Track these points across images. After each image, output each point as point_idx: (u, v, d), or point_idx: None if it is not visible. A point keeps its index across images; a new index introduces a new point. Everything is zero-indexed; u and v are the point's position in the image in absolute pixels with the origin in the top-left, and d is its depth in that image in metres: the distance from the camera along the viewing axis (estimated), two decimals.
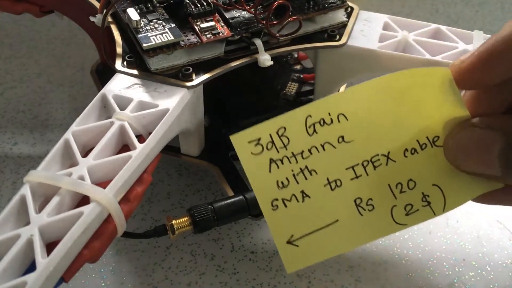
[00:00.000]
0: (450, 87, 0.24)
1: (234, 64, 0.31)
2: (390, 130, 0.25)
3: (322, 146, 0.24)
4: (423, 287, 0.31)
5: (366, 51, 0.32)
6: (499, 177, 0.24)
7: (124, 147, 0.27)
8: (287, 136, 0.24)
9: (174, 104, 0.28)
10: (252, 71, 0.33)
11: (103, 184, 0.24)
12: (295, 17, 0.31)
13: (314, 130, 0.24)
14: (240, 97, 0.36)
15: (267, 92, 0.37)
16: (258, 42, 0.31)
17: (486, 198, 0.26)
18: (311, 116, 0.24)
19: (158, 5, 0.31)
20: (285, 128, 0.24)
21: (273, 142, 0.24)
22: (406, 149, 0.25)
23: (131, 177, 0.25)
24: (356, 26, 0.34)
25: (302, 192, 0.24)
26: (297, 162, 0.24)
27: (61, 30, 0.48)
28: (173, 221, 0.28)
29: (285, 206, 0.24)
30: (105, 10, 0.31)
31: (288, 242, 0.25)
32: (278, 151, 0.24)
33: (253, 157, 0.24)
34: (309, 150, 0.24)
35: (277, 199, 0.24)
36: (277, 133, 0.24)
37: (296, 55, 0.39)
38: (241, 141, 0.24)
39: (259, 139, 0.24)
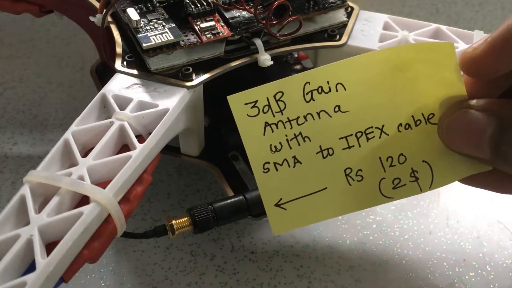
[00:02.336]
0: (451, 63, 0.24)
1: (234, 64, 0.31)
2: (386, 104, 0.25)
3: (318, 114, 0.25)
4: (423, 287, 0.31)
5: (366, 51, 0.32)
6: (488, 160, 0.24)
7: (124, 147, 0.27)
8: (284, 101, 0.24)
9: (174, 104, 0.28)
10: (252, 71, 0.33)
11: (103, 184, 0.24)
12: (295, 17, 0.31)
13: (312, 98, 0.24)
14: None
15: None
16: (258, 42, 0.31)
17: (473, 180, 0.26)
18: (309, 83, 0.24)
19: (158, 5, 0.31)
20: (282, 93, 0.24)
21: (269, 105, 0.24)
22: (401, 124, 0.25)
23: (131, 177, 0.25)
24: (356, 26, 0.34)
25: (294, 157, 0.25)
26: (291, 127, 0.25)
27: (61, 30, 0.47)
28: (173, 221, 0.28)
29: (276, 170, 0.25)
30: (105, 10, 0.31)
31: (277, 205, 0.25)
32: (273, 115, 0.24)
33: (249, 119, 0.24)
34: (305, 117, 0.25)
35: (268, 162, 0.25)
36: (274, 97, 0.24)
37: (296, 55, 0.39)
38: (238, 102, 0.24)
39: (256, 102, 0.24)
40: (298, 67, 0.39)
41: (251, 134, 0.24)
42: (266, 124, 0.24)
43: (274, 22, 0.30)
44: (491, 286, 0.31)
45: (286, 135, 0.25)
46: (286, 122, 0.24)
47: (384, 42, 0.33)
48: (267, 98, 0.24)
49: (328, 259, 0.32)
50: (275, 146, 0.25)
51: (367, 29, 0.34)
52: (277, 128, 0.24)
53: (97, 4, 0.32)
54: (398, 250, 0.32)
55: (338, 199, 0.25)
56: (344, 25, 0.33)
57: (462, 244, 0.33)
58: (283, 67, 0.39)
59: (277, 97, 0.24)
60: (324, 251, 0.32)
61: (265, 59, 0.30)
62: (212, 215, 0.28)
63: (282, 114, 0.24)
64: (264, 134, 0.24)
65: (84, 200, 0.24)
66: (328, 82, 0.24)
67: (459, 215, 0.34)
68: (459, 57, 0.24)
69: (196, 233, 0.28)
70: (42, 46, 0.46)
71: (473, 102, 0.24)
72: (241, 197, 0.29)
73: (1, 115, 0.40)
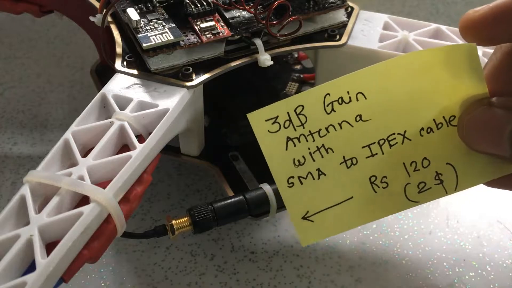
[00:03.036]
0: (473, 63, 0.24)
1: (234, 64, 0.31)
2: (407, 109, 0.25)
3: (340, 125, 0.24)
4: (423, 287, 0.31)
5: (367, 51, 0.32)
6: (508, 157, 0.23)
7: (124, 147, 0.27)
8: (304, 114, 0.24)
9: (174, 104, 0.28)
10: (252, 71, 0.33)
11: (103, 184, 0.24)
12: (295, 17, 0.31)
13: (332, 109, 0.24)
14: (240, 97, 0.36)
15: (267, 92, 0.37)
16: (258, 42, 0.31)
17: (499, 183, 0.26)
18: (329, 95, 0.24)
19: (158, 5, 0.31)
20: (303, 107, 0.24)
21: (290, 120, 0.24)
22: (422, 128, 0.25)
23: (131, 177, 0.25)
24: (356, 26, 0.34)
25: (318, 170, 0.25)
26: (314, 140, 0.24)
27: (61, 30, 0.47)
28: (173, 221, 0.28)
29: (301, 183, 0.25)
30: (105, 10, 0.31)
31: (304, 218, 0.25)
32: (295, 130, 0.24)
33: (270, 135, 0.24)
34: (326, 129, 0.24)
35: (293, 177, 0.25)
36: (295, 111, 0.24)
37: (296, 55, 0.39)
38: (258, 119, 0.24)
39: (277, 117, 0.24)
40: (298, 67, 0.39)
41: (273, 150, 0.24)
42: (288, 139, 0.24)
43: (274, 22, 0.30)
44: (491, 286, 0.31)
45: (309, 148, 0.24)
46: (308, 135, 0.24)
47: (384, 42, 0.33)
48: (288, 113, 0.24)
49: (328, 259, 0.32)
50: (298, 160, 0.24)
51: (367, 29, 0.34)
52: (299, 142, 0.24)
53: (97, 4, 0.32)
54: (398, 250, 0.32)
55: (365, 207, 0.25)
56: (344, 25, 0.33)
57: (462, 244, 0.33)
58: (283, 67, 0.39)
59: (298, 111, 0.24)
60: (324, 251, 0.32)
61: (265, 59, 0.30)
62: (212, 215, 0.28)
63: (303, 127, 0.24)
64: (286, 149, 0.24)
65: (84, 200, 0.24)
66: (348, 92, 0.24)
67: (459, 215, 0.34)
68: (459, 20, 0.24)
69: (196, 233, 0.28)
70: (42, 46, 0.46)
71: (493, 99, 0.24)
72: (241, 197, 0.29)
73: (1, 115, 0.40)
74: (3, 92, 0.42)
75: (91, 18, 0.31)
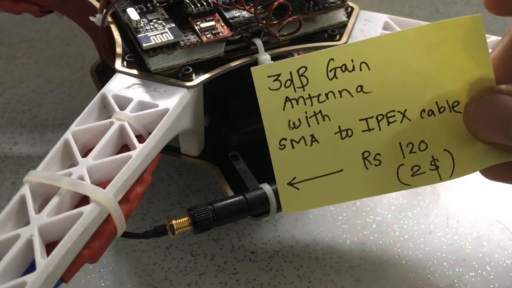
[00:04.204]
0: (479, 39, 0.23)
1: (234, 64, 0.30)
2: (410, 88, 0.24)
3: (340, 93, 0.24)
4: (423, 287, 0.31)
5: None
6: None
7: (124, 147, 0.27)
8: (306, 76, 0.24)
9: (174, 104, 0.28)
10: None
11: (103, 184, 0.24)
12: (295, 17, 0.31)
13: (335, 75, 0.24)
14: (240, 97, 0.36)
15: None
16: (258, 42, 0.31)
17: (495, 173, 0.25)
18: (333, 60, 0.24)
19: (158, 5, 0.31)
20: (306, 68, 0.24)
21: (292, 80, 0.24)
22: (424, 110, 0.24)
23: (131, 177, 0.25)
24: (356, 26, 0.34)
25: (312, 136, 0.24)
26: (312, 104, 0.24)
27: (61, 30, 0.47)
28: (173, 221, 0.28)
29: (293, 147, 0.24)
30: (105, 10, 0.31)
31: (289, 183, 0.25)
32: (295, 90, 0.24)
33: (270, 92, 0.24)
34: (326, 95, 0.24)
35: (285, 139, 0.24)
36: (298, 71, 0.24)
37: (296, 55, 0.39)
38: (260, 73, 0.24)
39: (279, 75, 0.24)
40: None
41: (270, 108, 0.24)
42: (287, 99, 0.24)
43: (274, 22, 0.30)
44: (491, 286, 0.31)
45: (306, 112, 0.24)
46: (307, 98, 0.24)
47: None
48: (290, 72, 0.24)
49: (328, 259, 0.32)
50: (294, 123, 0.24)
51: (367, 29, 0.34)
52: (298, 104, 0.24)
53: (97, 4, 0.32)
54: (398, 250, 0.32)
55: (354, 182, 0.25)
56: (344, 25, 0.33)
57: (462, 244, 0.33)
58: None
59: (300, 72, 0.24)
60: (324, 251, 0.32)
61: (265, 59, 0.30)
62: (212, 215, 0.28)
63: (303, 90, 0.24)
64: (283, 109, 0.24)
65: (84, 200, 0.24)
66: (352, 61, 0.24)
67: (459, 215, 0.34)
68: None
69: (196, 233, 0.28)
70: (42, 46, 0.46)
71: (503, 86, 0.23)
72: (241, 197, 0.29)
73: (1, 115, 0.40)
74: (3, 92, 0.42)
75: (91, 18, 0.31)
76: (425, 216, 0.34)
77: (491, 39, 0.32)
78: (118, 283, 0.31)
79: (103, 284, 0.31)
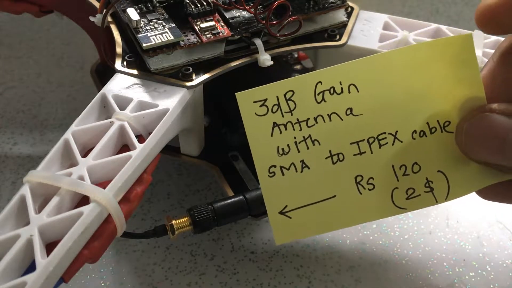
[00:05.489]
0: (469, 57, 0.23)
1: (234, 64, 0.31)
2: (401, 108, 0.24)
3: (329, 116, 0.23)
4: (423, 287, 0.31)
5: (367, 51, 0.32)
6: (510, 167, 0.22)
7: (124, 147, 0.27)
8: (294, 101, 0.23)
9: (174, 104, 0.28)
10: (252, 71, 0.33)
11: (103, 184, 0.24)
12: (295, 17, 0.31)
13: (323, 98, 0.23)
14: None
15: None
16: (258, 42, 0.31)
17: (491, 193, 0.25)
18: (321, 83, 0.23)
19: (158, 5, 0.31)
20: (293, 92, 0.23)
21: (279, 105, 0.23)
22: (415, 131, 0.24)
23: (131, 177, 0.25)
24: (356, 26, 0.34)
25: (302, 162, 0.24)
26: (301, 129, 0.23)
27: (61, 30, 0.47)
28: (173, 221, 0.28)
29: (283, 174, 0.24)
30: (105, 10, 0.31)
31: (281, 212, 0.24)
32: (283, 116, 0.23)
33: (257, 118, 0.23)
34: (315, 119, 0.23)
35: (275, 166, 0.24)
36: (285, 96, 0.23)
37: (296, 55, 0.39)
38: (246, 99, 0.23)
39: (265, 100, 0.23)
40: (298, 67, 0.39)
41: (258, 134, 0.23)
42: (275, 124, 0.23)
43: (274, 22, 0.30)
44: (491, 286, 0.31)
45: (295, 137, 0.23)
46: (295, 123, 0.23)
47: (384, 42, 0.33)
48: (277, 96, 0.23)
49: (328, 259, 0.32)
50: (283, 149, 0.23)
51: (367, 29, 0.34)
52: (286, 129, 0.23)
53: (97, 4, 0.32)
54: (398, 250, 0.32)
55: (347, 208, 0.24)
56: (344, 25, 0.33)
57: (462, 244, 0.33)
58: (283, 67, 0.39)
59: (288, 96, 0.23)
60: (324, 251, 0.32)
61: (265, 59, 0.30)
62: (212, 215, 0.28)
63: (291, 114, 0.23)
64: (271, 135, 0.23)
65: (84, 200, 0.24)
66: (340, 83, 0.23)
67: (459, 215, 0.34)
68: (474, 12, 0.23)
69: (196, 233, 0.28)
70: (42, 46, 0.46)
71: (494, 105, 0.23)
72: (241, 197, 0.29)
73: (1, 115, 0.40)
74: (3, 92, 0.42)
75: (91, 18, 0.31)
76: (425, 216, 0.34)
77: (492, 39, 0.32)
78: (118, 283, 0.31)
79: (103, 284, 0.31)
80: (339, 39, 0.33)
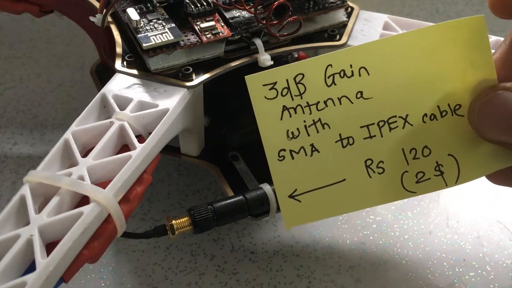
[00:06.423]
0: (482, 41, 0.23)
1: (234, 64, 0.31)
2: (411, 92, 0.23)
3: (339, 100, 0.23)
4: (423, 287, 0.30)
5: None
6: None
7: (124, 147, 0.27)
8: (304, 84, 0.23)
9: (174, 104, 0.28)
10: (252, 71, 0.33)
11: (103, 184, 0.24)
12: (295, 17, 0.31)
13: (333, 82, 0.23)
14: (240, 97, 0.36)
15: None
16: (258, 42, 0.31)
17: (501, 178, 0.24)
18: (332, 66, 0.23)
19: (158, 5, 0.31)
20: (303, 75, 0.23)
21: (289, 88, 0.23)
22: (426, 114, 0.24)
23: (131, 177, 0.25)
24: (356, 26, 0.34)
25: (312, 145, 0.23)
26: (310, 113, 0.23)
27: (61, 30, 0.48)
28: (173, 221, 0.28)
29: (292, 158, 0.23)
30: (105, 10, 0.31)
31: (291, 196, 0.24)
32: (292, 99, 0.23)
33: (266, 101, 0.23)
34: (325, 102, 0.23)
35: (284, 150, 0.23)
36: (295, 79, 0.23)
37: (296, 55, 0.39)
38: (255, 82, 0.23)
39: (275, 83, 0.23)
40: None
41: (267, 118, 0.23)
42: (284, 108, 0.23)
43: (274, 22, 0.30)
44: (491, 286, 0.31)
45: (305, 121, 0.23)
46: (305, 106, 0.23)
47: None
48: (287, 80, 0.23)
49: (328, 259, 0.32)
50: (292, 132, 0.23)
51: (367, 29, 0.34)
52: (296, 113, 0.23)
53: (97, 4, 0.32)
54: (398, 250, 0.32)
55: (357, 192, 0.24)
56: (344, 25, 0.33)
57: (462, 244, 0.33)
58: None
59: (297, 79, 0.23)
60: (324, 251, 0.32)
61: (265, 59, 0.30)
62: (212, 215, 0.28)
63: (301, 98, 0.23)
64: (281, 119, 0.23)
65: (84, 200, 0.24)
66: (351, 66, 0.23)
67: (459, 215, 0.34)
68: None
69: (196, 233, 0.28)
70: (42, 46, 0.46)
71: (508, 84, 0.22)
72: (241, 197, 0.29)
73: (1, 115, 0.40)
74: (3, 92, 0.42)
75: (91, 18, 0.31)
76: (425, 216, 0.34)
77: (492, 39, 0.32)
78: (118, 283, 0.31)
79: (103, 284, 0.31)
80: (339, 39, 0.33)
